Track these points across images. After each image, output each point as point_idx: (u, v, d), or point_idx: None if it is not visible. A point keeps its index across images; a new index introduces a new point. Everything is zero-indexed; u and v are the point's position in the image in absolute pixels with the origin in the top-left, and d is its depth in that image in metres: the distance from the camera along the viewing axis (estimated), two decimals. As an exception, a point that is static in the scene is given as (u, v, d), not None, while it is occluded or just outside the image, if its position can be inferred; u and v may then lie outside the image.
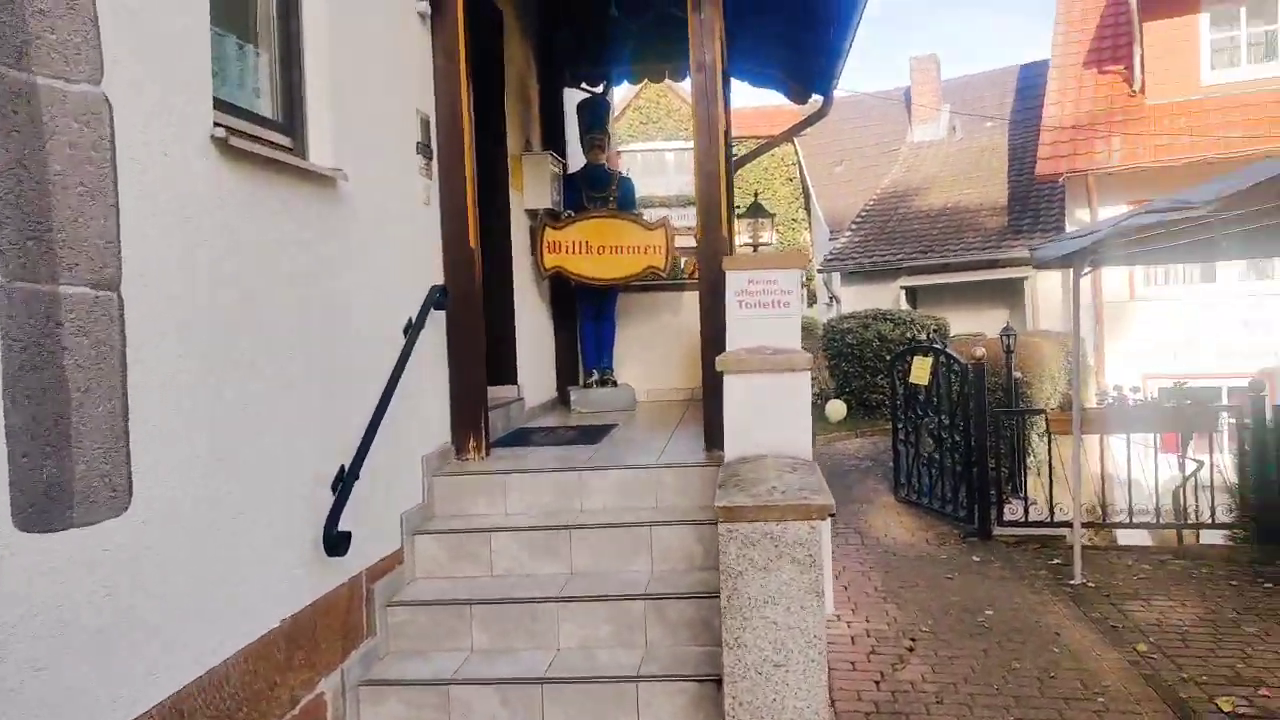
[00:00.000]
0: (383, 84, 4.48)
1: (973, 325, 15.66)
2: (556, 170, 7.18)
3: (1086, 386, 14.39)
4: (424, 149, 4.96)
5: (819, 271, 22.53)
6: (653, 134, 25.27)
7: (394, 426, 4.21)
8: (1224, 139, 13.15)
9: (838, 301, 19.44)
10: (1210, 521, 7.33)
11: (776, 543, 3.25)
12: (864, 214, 19.74)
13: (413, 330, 4.55)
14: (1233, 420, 7.43)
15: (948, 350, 8.05)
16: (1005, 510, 7.85)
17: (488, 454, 5.31)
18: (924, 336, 8.67)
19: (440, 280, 5.07)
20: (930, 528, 8.16)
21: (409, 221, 4.76)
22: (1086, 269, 6.42)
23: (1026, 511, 7.68)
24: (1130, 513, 7.49)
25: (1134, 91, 14.78)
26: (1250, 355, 14.67)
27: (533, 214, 7.04)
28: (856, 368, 13.45)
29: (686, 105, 24.97)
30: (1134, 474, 7.75)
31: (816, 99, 8.00)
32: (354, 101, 4.09)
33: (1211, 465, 7.39)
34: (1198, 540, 7.53)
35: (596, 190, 7.31)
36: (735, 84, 8.19)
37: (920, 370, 8.46)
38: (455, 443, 5.22)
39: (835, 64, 7.21)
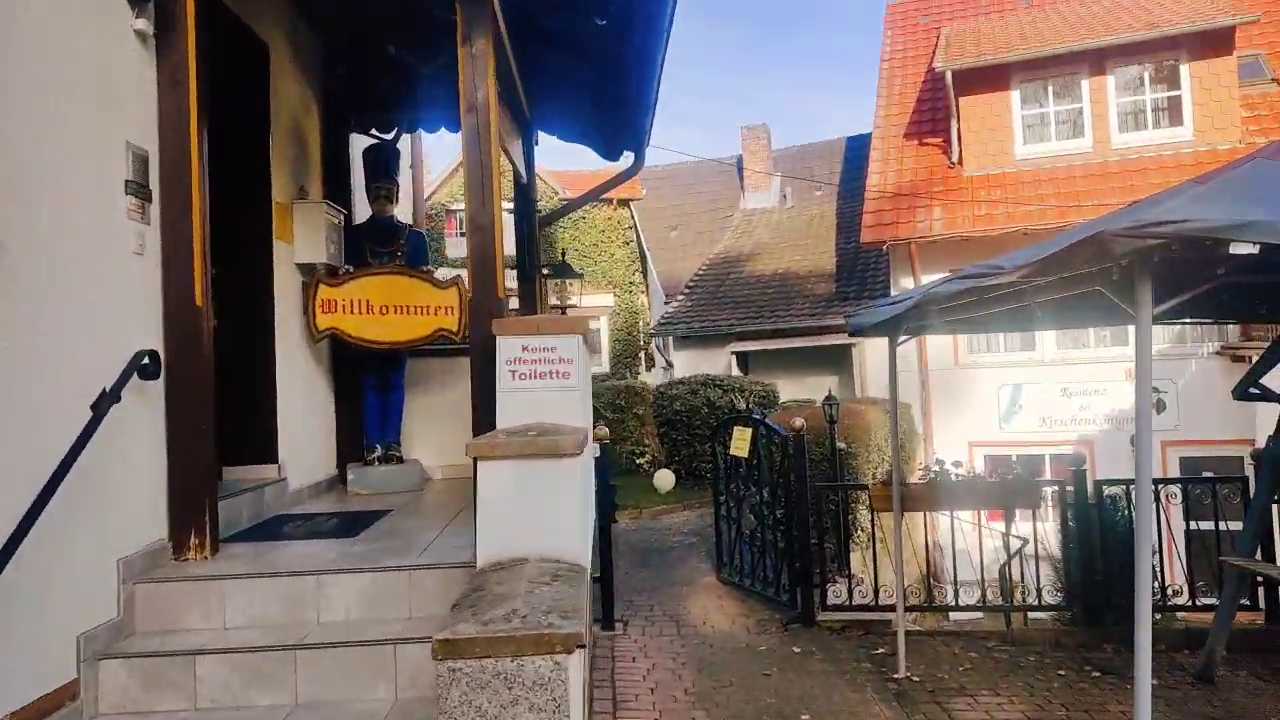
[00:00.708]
0: (79, 112, 3.66)
1: (803, 391, 15.59)
2: (335, 220, 6.36)
3: (914, 456, 14.46)
4: (138, 189, 4.09)
5: (652, 335, 22.28)
6: (488, 194, 24.58)
7: (70, 521, 3.28)
8: (1038, 210, 13.65)
9: (671, 366, 19.12)
10: (1037, 603, 7.08)
11: (510, 684, 2.52)
12: (697, 278, 19.65)
13: (104, 403, 3.64)
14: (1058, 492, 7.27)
15: (767, 420, 7.61)
16: (829, 593, 7.39)
17: (214, 552, 4.38)
18: (743, 405, 8.19)
19: (156, 343, 4.18)
20: (752, 612, 7.61)
21: (108, 275, 3.87)
22: (903, 337, 6.10)
23: (850, 594, 7.25)
24: (956, 595, 7.16)
25: (953, 163, 15.25)
26: (1070, 423, 15.18)
27: (307, 269, 6.18)
28: (685, 435, 13.01)
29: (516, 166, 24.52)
30: (961, 552, 7.47)
31: (629, 156, 7.53)
32: (22, 132, 3.26)
33: (1036, 542, 7.18)
34: (1025, 622, 7.26)
35: (382, 244, 6.52)
36: (547, 140, 7.65)
37: (740, 441, 7.99)
38: (173, 539, 4.30)
39: (643, 119, 6.76)
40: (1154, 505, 6.96)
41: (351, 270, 6.25)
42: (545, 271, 7.35)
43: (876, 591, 7.19)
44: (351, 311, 6.15)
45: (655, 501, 12.21)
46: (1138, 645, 3.02)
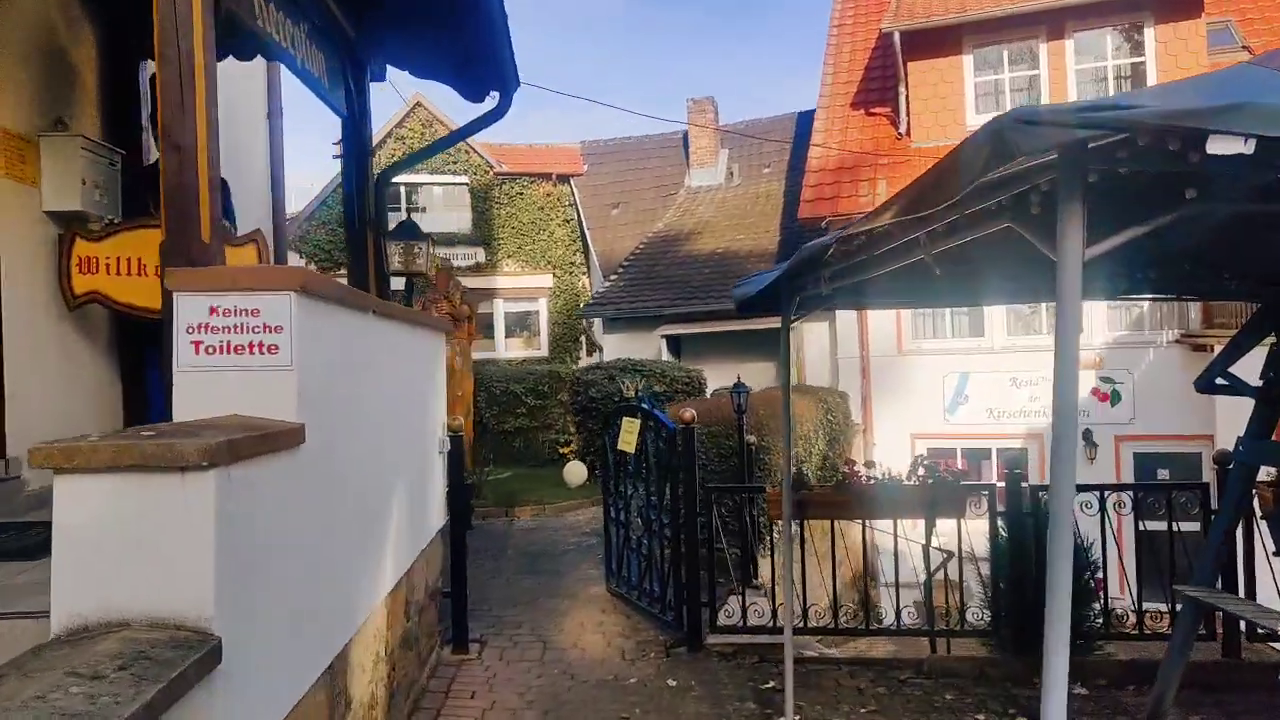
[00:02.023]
0: None
1: (734, 377, 14.50)
2: (102, 161, 5.11)
3: (850, 448, 13.45)
4: None
5: (579, 317, 21.14)
6: (417, 166, 23.19)
7: None
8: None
9: (600, 350, 18.00)
10: (959, 628, 6.04)
11: None
12: (632, 258, 18.48)
13: None
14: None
15: (656, 411, 6.49)
16: (722, 611, 6.31)
17: None
18: (632, 394, 7.07)
19: None
20: (635, 632, 6.51)
21: None
22: (797, 314, 4.99)
23: (745, 615, 6.16)
24: (867, 615, 6.10)
25: (900, 134, 14.22)
26: (1019, 415, 14.26)
27: (62, 220, 4.94)
28: (601, 424, 11.84)
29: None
30: (886, 565, 6.42)
31: (494, 96, 6.32)
32: None
33: (961, 557, 6.13)
34: (949, 650, 6.23)
35: (167, 189, 5.26)
36: (398, 75, 6.41)
37: (628, 435, 6.86)
38: None
39: (499, 46, 5.58)
40: (1100, 515, 5.94)
41: (115, 221, 5.01)
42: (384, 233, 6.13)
43: (775, 612, 6.11)
44: (117, 273, 4.94)
45: (563, 496, 11.08)
46: (1047, 683, 2.00)
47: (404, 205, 23.20)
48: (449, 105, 23.27)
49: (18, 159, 4.69)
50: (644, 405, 6.60)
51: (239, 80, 7.19)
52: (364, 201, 5.63)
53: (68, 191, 4.81)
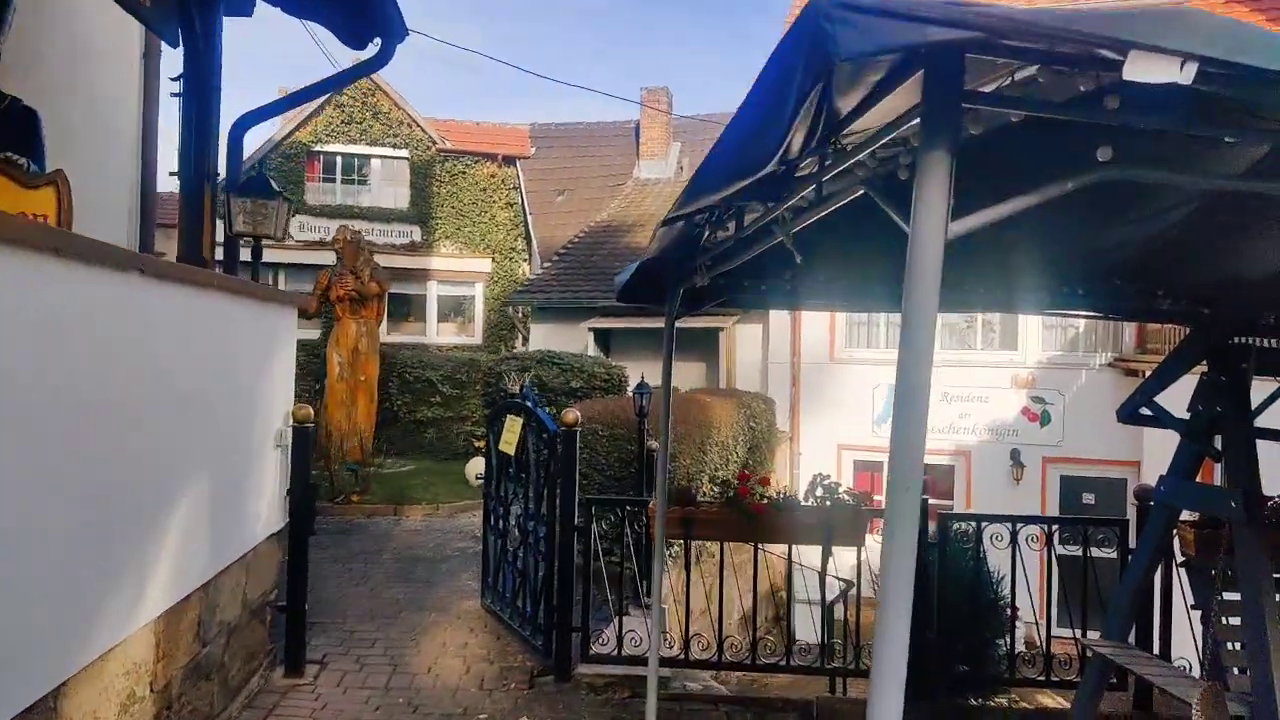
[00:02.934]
0: None
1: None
2: None
3: (773, 456, 12.91)
4: None
5: (504, 304, 20.41)
6: (355, 136, 22.23)
7: None
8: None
9: (525, 340, 17.31)
10: (854, 667, 5.46)
11: None
12: (569, 247, 17.77)
13: None
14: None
15: (537, 410, 5.81)
16: (600, 638, 5.66)
17: None
18: (516, 390, 6.39)
19: None
20: (502, 656, 5.83)
21: None
22: (684, 309, 4.34)
23: (620, 642, 5.51)
24: (754, 651, 5.49)
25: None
26: (948, 431, 13.89)
27: None
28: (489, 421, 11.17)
29: (398, 109, 22.22)
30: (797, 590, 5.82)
31: (376, 43, 5.59)
32: None
33: (860, 587, 5.54)
34: (844, 690, 5.65)
35: (-45, 120, 4.48)
36: (269, 10, 5.64)
37: (509, 435, 6.18)
38: None
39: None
40: (1011, 548, 5.40)
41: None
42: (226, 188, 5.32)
43: (670, 640, 5.48)
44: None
45: (462, 495, 10.34)
46: None
47: (339, 177, 22.27)
48: (394, 75, 22.36)
49: None
50: (527, 403, 5.92)
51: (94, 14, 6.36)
52: (204, 151, 4.87)
53: None
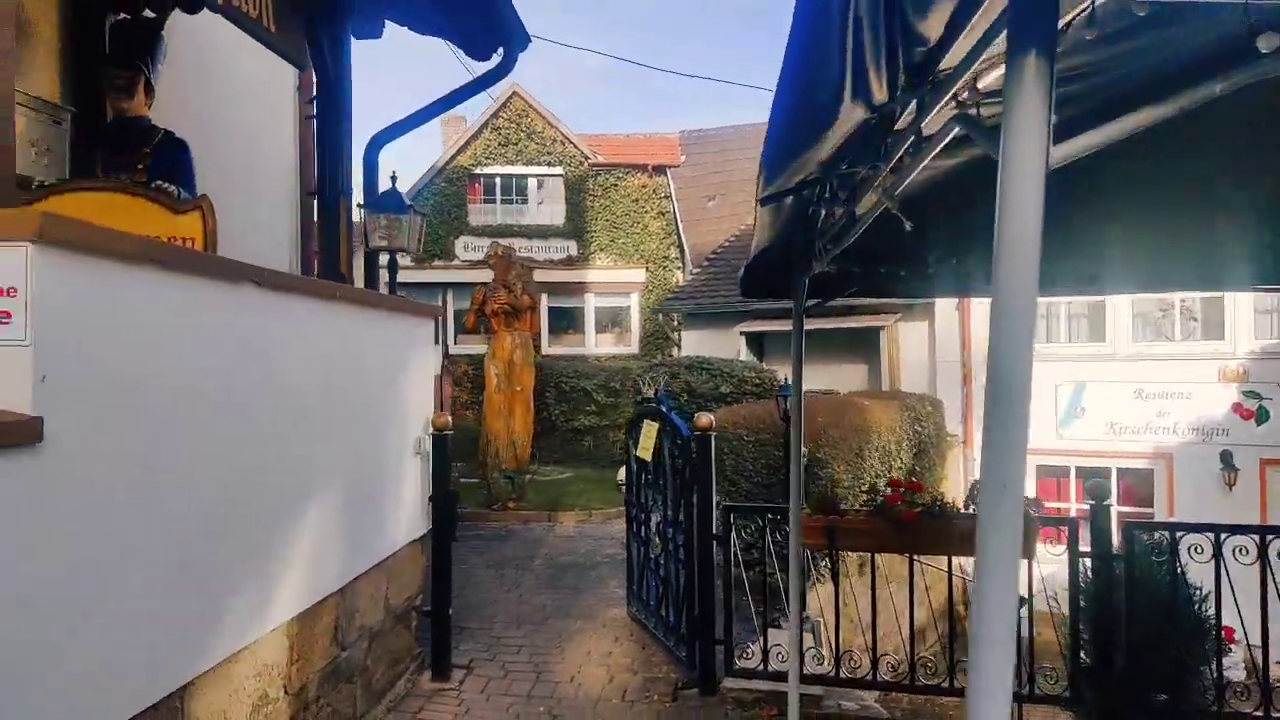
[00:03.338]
0: None
1: (825, 382, 13.42)
2: (43, 119, 4.65)
3: (944, 461, 12.23)
4: None
5: (655, 312, 20.37)
6: (512, 157, 22.90)
7: None
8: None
9: (677, 347, 17.18)
10: (1028, 693, 4.97)
11: None
12: (719, 251, 17.55)
13: None
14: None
15: (671, 415, 5.64)
16: (742, 652, 5.42)
17: None
18: (651, 394, 6.24)
19: None
20: (646, 666, 5.69)
21: None
22: (806, 301, 4.06)
23: (766, 656, 5.25)
24: (912, 671, 5.09)
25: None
26: (1144, 431, 12.76)
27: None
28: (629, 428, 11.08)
29: (551, 127, 22.75)
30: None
31: (499, 53, 5.61)
32: None
33: (1032, 604, 5.05)
34: (1021, 716, 5.16)
35: (118, 153, 4.76)
36: (396, 30, 5.77)
37: (646, 441, 6.05)
38: None
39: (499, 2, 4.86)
40: (1215, 562, 4.77)
41: (45, 184, 4.51)
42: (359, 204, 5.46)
43: (802, 655, 5.17)
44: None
45: (615, 501, 10.29)
46: None
47: (498, 198, 23.00)
48: (546, 94, 22.89)
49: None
50: (661, 407, 5.76)
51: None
52: (336, 170, 5.00)
53: (-12, 151, 4.34)
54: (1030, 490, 10.11)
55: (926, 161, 1.64)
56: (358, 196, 5.63)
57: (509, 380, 11.68)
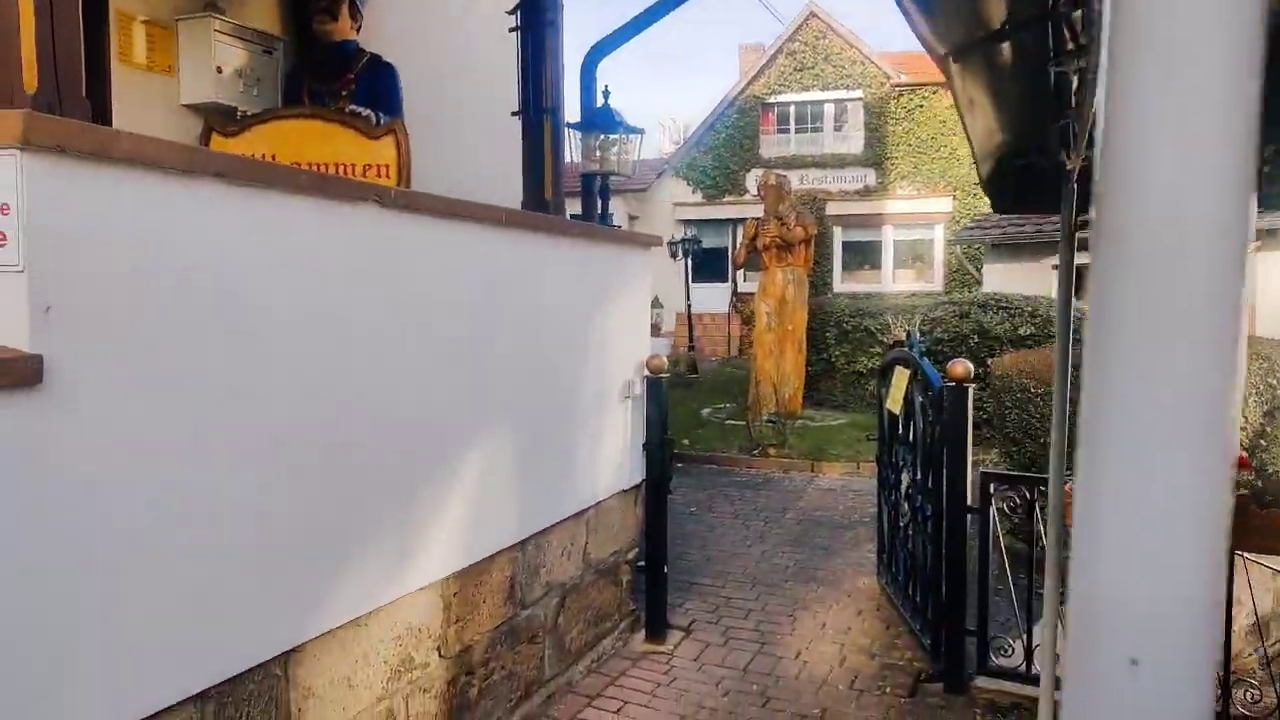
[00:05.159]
0: None
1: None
2: (253, 48, 4.65)
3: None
4: None
5: (952, 243, 18.46)
6: (808, 83, 21.78)
7: None
8: None
9: (978, 283, 15.41)
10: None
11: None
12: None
13: None
14: None
15: (923, 362, 4.73)
16: (999, 649, 4.50)
17: None
18: (904, 334, 5.33)
19: None
20: (886, 649, 4.94)
21: None
22: (1076, 213, 3.05)
23: (1030, 656, 4.30)
24: (1225, 682, 3.93)
25: None
26: None
27: (203, 113, 4.55)
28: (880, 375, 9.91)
29: (850, 48, 21.35)
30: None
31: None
32: None
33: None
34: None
35: (324, 79, 4.70)
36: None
37: (896, 392, 5.19)
38: None
39: None
40: None
41: (248, 114, 4.51)
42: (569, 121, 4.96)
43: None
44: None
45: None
46: None
47: (792, 127, 22.05)
48: (847, 13, 21.50)
49: (158, 47, 4.34)
50: (913, 352, 4.88)
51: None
52: (539, 84, 4.60)
53: (201, 81, 4.39)
54: None
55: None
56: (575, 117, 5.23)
57: (779, 319, 11.03)
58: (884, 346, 12.51)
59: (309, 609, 2.65)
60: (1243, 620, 4.83)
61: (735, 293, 20.81)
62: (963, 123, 2.37)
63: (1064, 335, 3.21)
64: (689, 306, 18.39)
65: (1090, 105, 2.05)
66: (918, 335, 5.03)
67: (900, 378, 5.13)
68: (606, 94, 4.99)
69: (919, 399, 4.83)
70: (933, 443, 4.60)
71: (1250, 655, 7.16)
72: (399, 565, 3.03)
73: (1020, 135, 2.44)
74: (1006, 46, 1.80)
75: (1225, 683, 3.96)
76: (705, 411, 11.95)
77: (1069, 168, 2.26)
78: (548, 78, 4.66)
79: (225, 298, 2.32)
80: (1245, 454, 4.12)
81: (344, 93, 4.64)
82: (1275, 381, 8.87)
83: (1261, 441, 8.67)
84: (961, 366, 4.38)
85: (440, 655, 3.31)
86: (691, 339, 18.13)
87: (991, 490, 4.41)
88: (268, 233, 2.46)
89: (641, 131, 4.99)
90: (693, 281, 19.21)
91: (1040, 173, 2.93)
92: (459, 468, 3.35)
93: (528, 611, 3.91)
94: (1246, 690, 4.03)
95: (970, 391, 4.41)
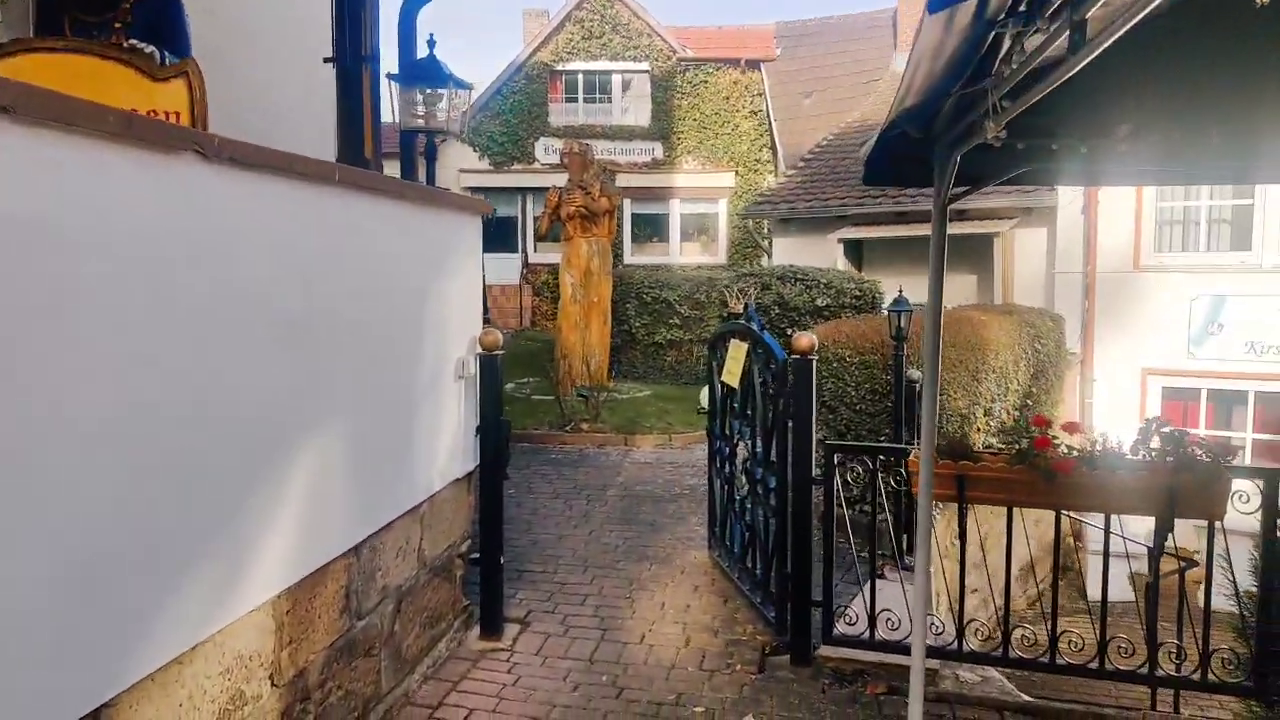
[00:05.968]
0: None
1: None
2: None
3: (1061, 382, 10.98)
4: None
5: (746, 219, 19.09)
6: (596, 52, 21.61)
7: None
8: None
9: (768, 256, 16.00)
10: (1198, 678, 4.01)
11: None
12: (815, 152, 16.10)
13: None
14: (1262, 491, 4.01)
15: (764, 335, 4.68)
16: (842, 615, 4.55)
17: None
18: (740, 309, 5.28)
19: None
20: (728, 625, 4.89)
21: None
22: (959, 186, 3.08)
23: (873, 621, 4.36)
24: (1052, 648, 4.15)
25: None
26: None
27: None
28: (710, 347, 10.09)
29: (637, 18, 21.34)
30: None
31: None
32: None
33: (1210, 575, 4.05)
34: (1176, 707, 4.22)
35: (90, 7, 3.96)
36: None
37: (732, 364, 5.12)
38: None
39: None
40: None
41: (6, 44, 3.72)
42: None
43: (938, 625, 4.28)
44: None
45: (697, 424, 9.41)
46: None
47: (580, 96, 21.83)
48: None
49: None
50: (752, 325, 4.81)
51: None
52: (357, 31, 4.08)
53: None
54: (1153, 413, 8.86)
55: None
56: (392, 68, 4.72)
57: (585, 290, 10.85)
58: (681, 318, 12.68)
59: (118, 655, 2.16)
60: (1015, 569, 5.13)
61: (526, 264, 20.45)
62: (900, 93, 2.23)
63: (936, 300, 3.21)
64: (482, 278, 17.82)
65: (1021, 71, 1.95)
66: (755, 309, 4.97)
67: (737, 350, 5.06)
68: (431, 43, 4.52)
69: (759, 371, 4.78)
70: (775, 415, 4.55)
71: (1021, 597, 7.72)
72: (226, 587, 2.56)
73: (930, 104, 2.33)
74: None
75: (1005, 629, 4.19)
76: (509, 387, 11.58)
77: (989, 137, 2.16)
78: (366, 21, 4.15)
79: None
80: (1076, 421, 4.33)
81: (117, 25, 3.91)
82: (1039, 346, 9.71)
83: (1028, 401, 9.47)
84: (806, 339, 4.35)
85: (273, 684, 2.85)
86: (486, 312, 17.60)
87: (836, 461, 4.42)
88: (64, 185, 1.93)
89: (470, 86, 4.57)
90: (483, 252, 18.62)
91: (910, 144, 2.87)
92: (293, 466, 2.89)
93: (363, 622, 3.50)
94: (1021, 634, 4.27)
95: (814, 364, 4.39)
